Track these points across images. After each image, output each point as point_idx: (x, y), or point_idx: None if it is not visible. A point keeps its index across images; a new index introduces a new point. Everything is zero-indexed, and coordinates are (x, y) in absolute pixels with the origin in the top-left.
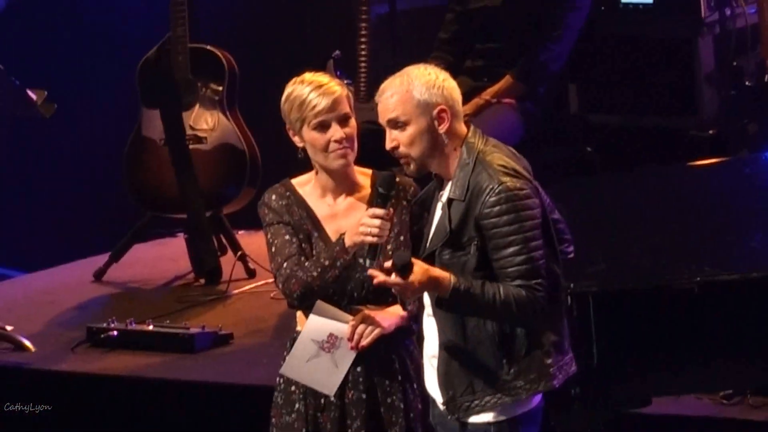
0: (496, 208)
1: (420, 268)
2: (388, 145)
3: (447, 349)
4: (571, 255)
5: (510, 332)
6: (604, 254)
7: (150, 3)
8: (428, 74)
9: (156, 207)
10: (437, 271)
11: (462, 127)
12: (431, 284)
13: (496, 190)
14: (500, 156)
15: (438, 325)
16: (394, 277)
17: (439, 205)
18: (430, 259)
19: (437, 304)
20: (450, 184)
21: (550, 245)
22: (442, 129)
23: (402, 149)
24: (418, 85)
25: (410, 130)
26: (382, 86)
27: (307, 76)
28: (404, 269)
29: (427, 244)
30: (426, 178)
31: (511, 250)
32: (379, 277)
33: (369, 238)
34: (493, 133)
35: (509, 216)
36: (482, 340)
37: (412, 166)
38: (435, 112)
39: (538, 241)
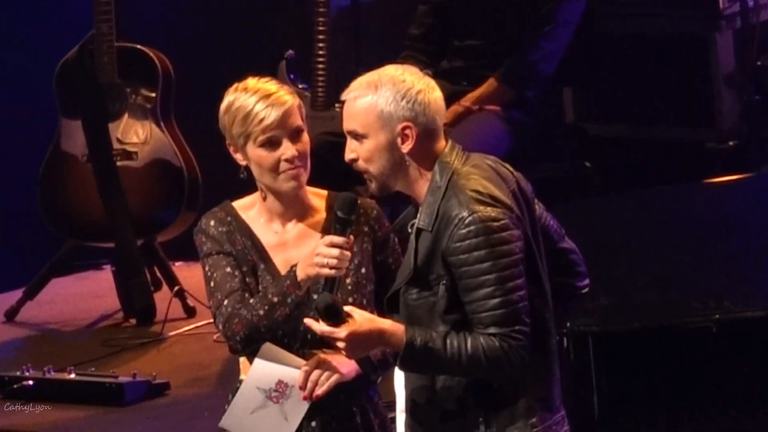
0: (466, 243)
1: (362, 318)
2: (347, 156)
3: (414, 402)
4: (585, 290)
5: (488, 383)
6: (605, 287)
7: None
8: (402, 81)
9: (78, 234)
10: (385, 323)
11: (438, 147)
12: (377, 338)
13: (466, 221)
14: (477, 179)
15: (404, 374)
16: (322, 325)
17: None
18: (395, 301)
19: (395, 363)
20: (420, 210)
21: (535, 282)
22: (405, 149)
23: (361, 163)
24: (386, 93)
25: (368, 144)
26: (352, 84)
27: (251, 82)
28: (330, 314)
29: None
30: (391, 199)
31: (483, 291)
32: (313, 325)
33: (325, 271)
34: (475, 147)
35: (480, 252)
36: (454, 391)
37: (373, 184)
38: (398, 128)
39: (518, 281)
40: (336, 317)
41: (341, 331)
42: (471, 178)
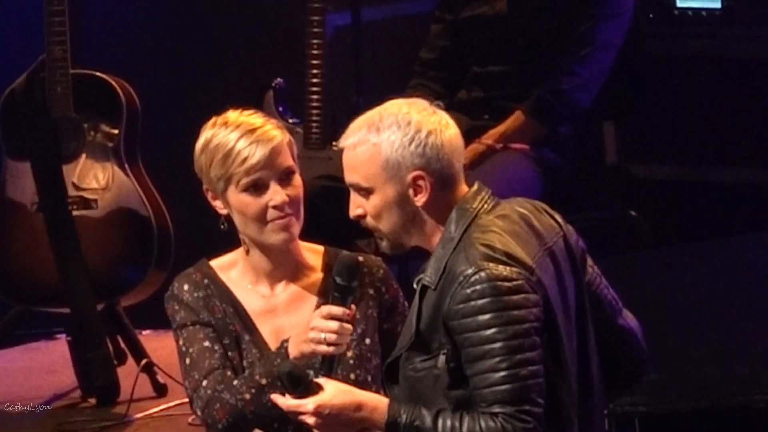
0: (469, 305)
1: (335, 389)
2: (352, 213)
3: None
4: (638, 382)
5: None
6: (655, 359)
7: (18, 11)
8: (407, 122)
9: (26, 298)
10: (363, 395)
11: (458, 194)
12: (354, 413)
13: (471, 279)
14: (497, 232)
15: None
16: (287, 399)
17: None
18: (394, 371)
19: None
20: (427, 263)
21: (555, 359)
22: (419, 202)
23: (369, 221)
24: (390, 138)
25: (375, 199)
26: (349, 126)
27: (233, 115)
28: (294, 383)
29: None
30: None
31: (486, 363)
32: (278, 400)
33: (323, 348)
34: (499, 192)
35: (485, 316)
36: None
37: (384, 243)
38: (409, 178)
39: (529, 354)
40: (300, 387)
41: (308, 403)
42: (490, 230)
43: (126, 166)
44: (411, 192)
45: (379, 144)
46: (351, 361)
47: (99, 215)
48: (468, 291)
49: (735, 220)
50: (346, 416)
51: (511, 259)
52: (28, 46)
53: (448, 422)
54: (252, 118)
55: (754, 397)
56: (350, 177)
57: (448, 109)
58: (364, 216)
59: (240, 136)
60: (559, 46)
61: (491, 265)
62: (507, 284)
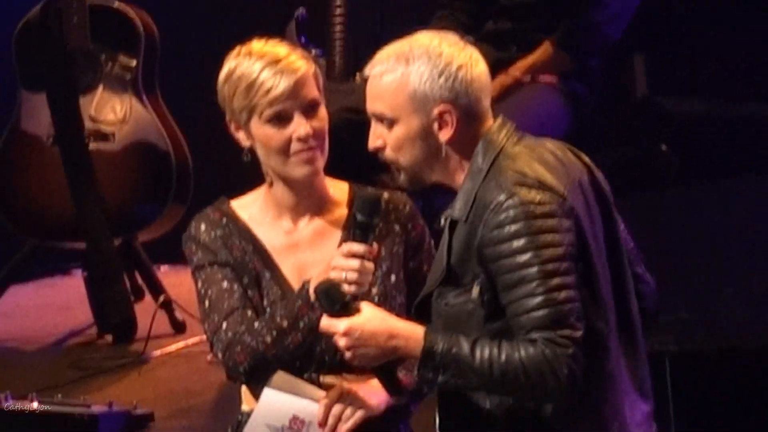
0: (503, 230)
1: (371, 313)
2: (371, 144)
3: None
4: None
5: (531, 414)
6: (685, 299)
7: None
8: (438, 54)
9: (41, 232)
10: (399, 322)
11: (485, 126)
12: (388, 339)
13: (504, 205)
14: (527, 160)
15: (440, 402)
16: (326, 320)
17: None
18: (425, 308)
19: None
20: (456, 198)
21: (589, 287)
22: (443, 136)
23: (388, 152)
24: (420, 69)
25: (398, 130)
26: (377, 55)
27: (257, 45)
28: (330, 302)
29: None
30: (425, 191)
31: (523, 289)
32: (324, 325)
33: (344, 287)
34: (526, 126)
35: (520, 241)
36: (496, 421)
37: (402, 176)
38: (435, 112)
39: (565, 278)
40: (336, 307)
41: (340, 324)
42: (519, 158)
43: (144, 98)
44: (436, 126)
45: (408, 74)
46: (376, 299)
47: (116, 148)
48: (501, 217)
49: (766, 156)
50: (378, 342)
51: (543, 185)
52: None
53: (486, 350)
54: (277, 48)
55: None
56: (374, 106)
57: (475, 40)
58: (383, 148)
59: (264, 66)
60: None
61: (523, 190)
62: (540, 208)
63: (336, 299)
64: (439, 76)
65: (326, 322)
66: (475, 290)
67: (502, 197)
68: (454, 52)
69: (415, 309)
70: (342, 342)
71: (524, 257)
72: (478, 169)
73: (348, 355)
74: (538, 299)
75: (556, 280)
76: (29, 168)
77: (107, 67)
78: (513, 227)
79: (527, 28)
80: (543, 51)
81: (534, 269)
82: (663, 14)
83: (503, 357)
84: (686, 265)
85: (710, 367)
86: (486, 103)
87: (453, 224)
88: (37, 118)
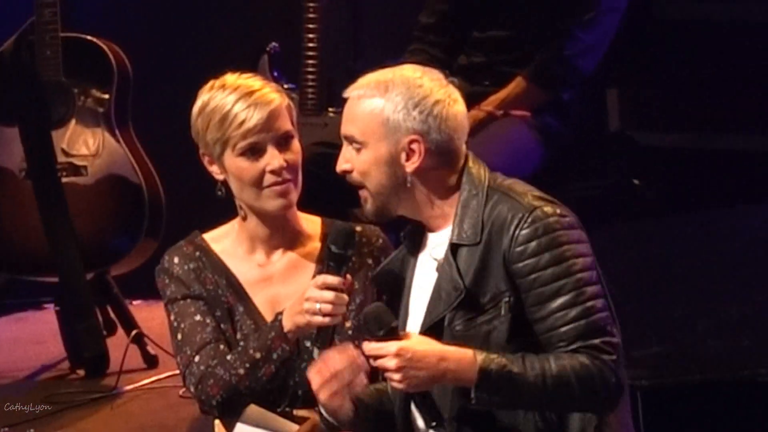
0: (533, 243)
1: (420, 338)
2: (339, 166)
3: None
4: None
5: (559, 420)
6: (658, 331)
7: None
8: (418, 86)
9: (13, 266)
10: (448, 347)
11: (454, 167)
12: (438, 363)
13: (528, 219)
14: (526, 185)
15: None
16: (373, 344)
17: (424, 267)
18: (431, 336)
19: (457, 410)
20: (447, 230)
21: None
22: (409, 167)
23: (355, 175)
24: (396, 98)
25: (365, 154)
26: (359, 80)
27: (230, 78)
28: (379, 326)
29: (422, 319)
30: (397, 225)
31: (560, 301)
32: (373, 348)
33: (318, 319)
34: (499, 161)
35: (553, 252)
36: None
37: (368, 205)
38: (404, 141)
39: (597, 287)
40: (384, 331)
41: (391, 346)
42: (517, 184)
43: (117, 132)
44: (403, 156)
45: (384, 102)
46: (350, 332)
47: (89, 182)
48: (529, 231)
49: (740, 188)
50: (428, 364)
51: (554, 201)
52: (17, 8)
53: (536, 364)
54: (250, 80)
55: (760, 371)
56: (347, 128)
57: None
58: (350, 171)
59: (237, 98)
60: (561, 10)
61: (543, 204)
62: (564, 220)
63: (385, 323)
64: (414, 107)
65: (375, 345)
66: (504, 309)
67: (523, 213)
68: (433, 87)
69: (423, 335)
70: (392, 363)
71: (558, 268)
72: (472, 195)
73: (397, 377)
74: (578, 309)
75: (591, 289)
76: (1, 201)
77: (80, 100)
78: (544, 240)
79: (500, 62)
80: (516, 85)
81: (569, 279)
82: (636, 50)
83: (554, 369)
84: (659, 298)
85: (684, 401)
86: (459, 143)
87: (454, 249)
88: (9, 151)
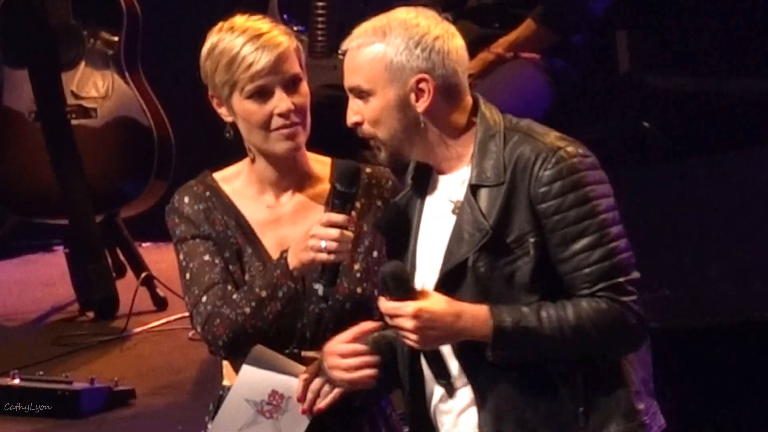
0: (558, 184)
1: (437, 297)
2: (349, 120)
3: (493, 401)
4: None
5: (585, 364)
6: (669, 275)
7: None
8: (415, 25)
9: (23, 208)
10: (464, 305)
11: (462, 106)
12: (454, 321)
13: (553, 159)
14: (540, 125)
15: (469, 376)
16: (386, 301)
17: (435, 210)
18: (453, 279)
19: (472, 364)
20: (461, 171)
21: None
22: (421, 107)
23: (366, 127)
24: (396, 40)
25: (374, 103)
26: (354, 30)
27: (239, 20)
28: (397, 285)
29: (442, 261)
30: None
31: (585, 241)
32: (390, 307)
33: (323, 256)
34: (508, 103)
35: (578, 192)
36: (544, 378)
37: (382, 153)
38: (412, 81)
39: (619, 226)
40: (400, 290)
41: (408, 306)
42: (534, 125)
43: (126, 74)
44: (413, 97)
45: (385, 46)
46: (358, 275)
47: (98, 124)
48: (553, 171)
49: (752, 132)
50: (445, 323)
51: (577, 141)
52: None
53: (554, 314)
54: (259, 23)
55: None
56: (351, 79)
57: (457, 17)
58: (361, 123)
59: (246, 41)
60: None
61: (566, 144)
62: (587, 161)
63: (403, 282)
64: (416, 46)
65: (392, 305)
66: (531, 248)
67: (546, 153)
68: (430, 24)
69: (441, 282)
70: (409, 324)
71: (582, 209)
72: (489, 135)
73: (414, 338)
74: (602, 250)
75: (615, 229)
76: (11, 144)
77: (89, 43)
78: (569, 180)
79: (509, 4)
80: (525, 27)
81: (594, 221)
82: None
83: (572, 319)
84: (669, 242)
85: (694, 344)
86: (463, 77)
87: (474, 190)
88: (19, 94)
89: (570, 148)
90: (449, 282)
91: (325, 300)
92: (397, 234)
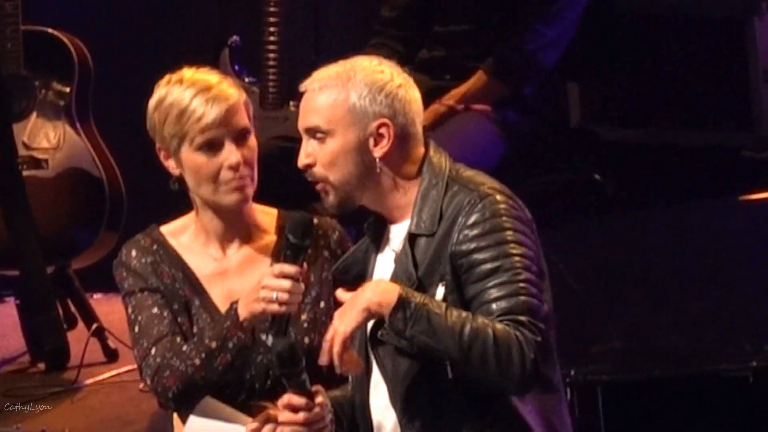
0: (479, 226)
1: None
2: (301, 161)
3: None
4: None
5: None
6: (619, 327)
7: None
8: (380, 72)
9: None
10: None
11: (417, 151)
12: (362, 293)
13: (479, 205)
14: (488, 178)
15: (399, 408)
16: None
17: (384, 261)
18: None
19: (376, 335)
20: (407, 221)
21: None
22: (378, 152)
23: (318, 170)
24: (360, 84)
25: (332, 144)
26: (315, 73)
27: (188, 73)
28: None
29: None
30: (355, 218)
31: (495, 280)
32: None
33: (274, 307)
34: (460, 155)
35: (495, 236)
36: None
37: (330, 197)
38: (373, 126)
39: (533, 276)
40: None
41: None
42: (478, 176)
43: (78, 125)
44: (371, 141)
45: (348, 89)
46: (305, 325)
47: (50, 175)
48: (477, 215)
49: (702, 184)
50: (351, 300)
51: (514, 196)
52: None
53: (460, 313)
54: (208, 75)
55: (721, 366)
56: (309, 120)
57: (410, 69)
58: (313, 164)
59: (195, 93)
60: (523, 4)
61: (498, 194)
62: (514, 211)
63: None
64: (380, 92)
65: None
66: (440, 291)
67: (476, 199)
68: (393, 72)
69: (370, 335)
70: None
71: (498, 250)
72: (432, 185)
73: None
74: (514, 287)
75: (527, 275)
76: None
77: (41, 93)
78: (488, 223)
79: (461, 56)
80: (476, 79)
81: (511, 260)
82: (597, 44)
83: (476, 323)
84: (620, 293)
85: (645, 397)
86: (419, 128)
87: (412, 239)
88: None
89: (500, 196)
90: (374, 336)
91: (275, 351)
92: (355, 283)
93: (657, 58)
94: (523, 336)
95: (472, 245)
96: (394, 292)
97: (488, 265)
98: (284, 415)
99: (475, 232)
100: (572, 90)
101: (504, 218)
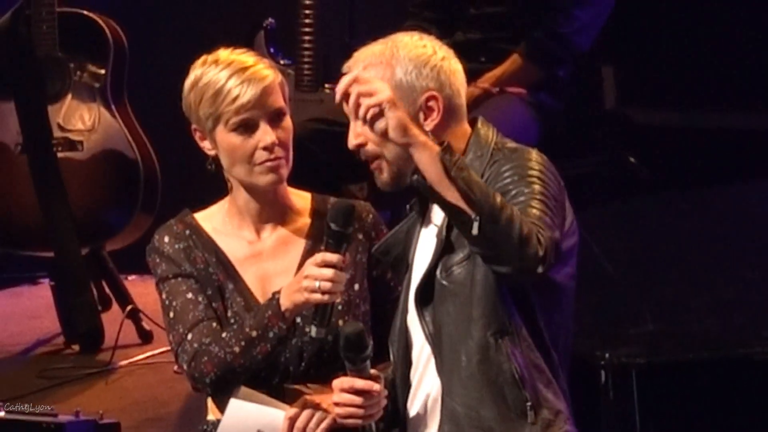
0: (509, 170)
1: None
2: (352, 142)
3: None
4: None
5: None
6: (653, 310)
7: None
8: (422, 46)
9: (8, 241)
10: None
11: (463, 126)
12: (411, 129)
13: (513, 155)
14: (527, 149)
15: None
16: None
17: (427, 237)
18: (425, 293)
19: (422, 295)
20: None
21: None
22: (429, 125)
23: (371, 147)
24: (405, 60)
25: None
26: (357, 53)
27: (224, 54)
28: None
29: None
30: (391, 201)
31: (522, 194)
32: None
33: (317, 296)
34: None
35: (520, 170)
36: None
37: (385, 174)
38: (422, 99)
39: (553, 202)
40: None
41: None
42: (522, 149)
43: (112, 107)
44: (422, 115)
45: (393, 66)
46: (340, 307)
47: (84, 157)
48: (511, 163)
49: (736, 166)
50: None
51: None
52: None
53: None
54: (243, 56)
55: (754, 349)
56: None
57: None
58: (364, 144)
59: (231, 74)
60: None
61: (538, 155)
62: (549, 165)
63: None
64: (425, 65)
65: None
66: (475, 226)
67: (515, 155)
68: (435, 45)
69: (417, 295)
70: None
71: (521, 182)
72: (477, 155)
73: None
74: (536, 201)
75: (550, 203)
76: None
77: (76, 75)
78: (517, 163)
79: (496, 39)
80: (512, 62)
81: (536, 187)
82: (632, 26)
83: (504, 200)
84: (654, 276)
85: (678, 379)
86: (464, 99)
87: None
88: (5, 126)
89: (536, 154)
90: (423, 296)
91: (319, 340)
92: (397, 262)
93: (691, 40)
94: (541, 236)
95: (500, 179)
96: (433, 148)
97: (513, 185)
98: (342, 397)
99: (504, 169)
100: (606, 72)
101: (533, 162)
